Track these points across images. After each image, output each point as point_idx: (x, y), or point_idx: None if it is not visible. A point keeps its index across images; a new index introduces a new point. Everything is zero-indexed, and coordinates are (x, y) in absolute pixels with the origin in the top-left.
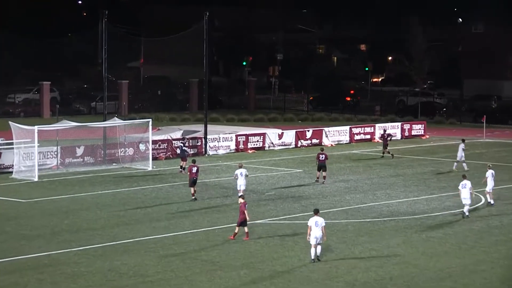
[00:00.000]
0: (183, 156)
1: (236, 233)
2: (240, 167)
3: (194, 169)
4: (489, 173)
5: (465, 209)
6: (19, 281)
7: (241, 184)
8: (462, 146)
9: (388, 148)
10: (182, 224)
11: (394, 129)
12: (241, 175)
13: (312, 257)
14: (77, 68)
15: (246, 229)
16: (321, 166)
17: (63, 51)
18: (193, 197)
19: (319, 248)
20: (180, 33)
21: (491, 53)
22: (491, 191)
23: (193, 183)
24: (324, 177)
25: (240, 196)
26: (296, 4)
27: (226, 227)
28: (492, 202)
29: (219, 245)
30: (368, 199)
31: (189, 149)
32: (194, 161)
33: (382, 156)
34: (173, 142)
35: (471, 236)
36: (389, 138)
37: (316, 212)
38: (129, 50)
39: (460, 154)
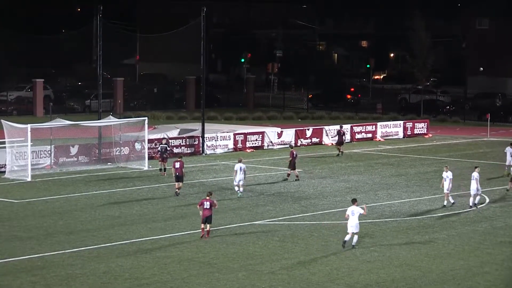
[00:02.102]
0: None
1: (203, 229)
2: (240, 161)
3: (177, 164)
4: (447, 175)
5: (476, 199)
6: (11, 284)
7: (239, 179)
8: (510, 150)
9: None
10: (179, 225)
11: (396, 127)
12: (240, 170)
13: (345, 239)
14: (71, 65)
15: (208, 226)
16: (294, 164)
17: (56, 47)
18: (177, 192)
19: (355, 237)
20: (177, 29)
21: (495, 50)
22: (449, 191)
23: (176, 178)
24: (290, 175)
25: (208, 192)
26: None
27: (224, 228)
28: (451, 201)
29: (217, 247)
30: (369, 199)
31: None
32: (180, 157)
33: (338, 155)
34: (169, 141)
35: (475, 238)
36: (343, 135)
37: (354, 201)
38: (124, 46)
39: (509, 158)
